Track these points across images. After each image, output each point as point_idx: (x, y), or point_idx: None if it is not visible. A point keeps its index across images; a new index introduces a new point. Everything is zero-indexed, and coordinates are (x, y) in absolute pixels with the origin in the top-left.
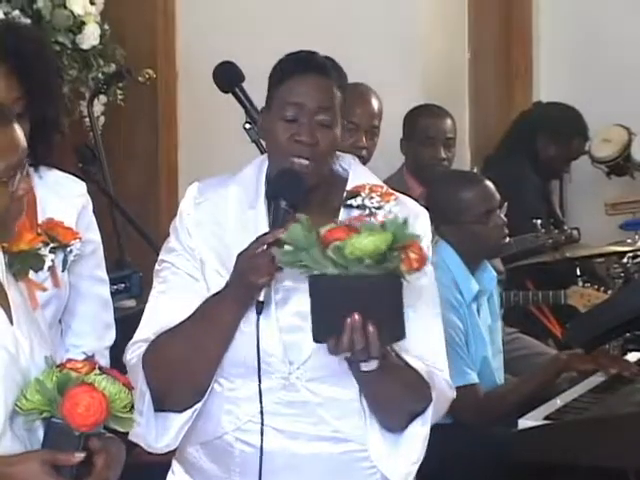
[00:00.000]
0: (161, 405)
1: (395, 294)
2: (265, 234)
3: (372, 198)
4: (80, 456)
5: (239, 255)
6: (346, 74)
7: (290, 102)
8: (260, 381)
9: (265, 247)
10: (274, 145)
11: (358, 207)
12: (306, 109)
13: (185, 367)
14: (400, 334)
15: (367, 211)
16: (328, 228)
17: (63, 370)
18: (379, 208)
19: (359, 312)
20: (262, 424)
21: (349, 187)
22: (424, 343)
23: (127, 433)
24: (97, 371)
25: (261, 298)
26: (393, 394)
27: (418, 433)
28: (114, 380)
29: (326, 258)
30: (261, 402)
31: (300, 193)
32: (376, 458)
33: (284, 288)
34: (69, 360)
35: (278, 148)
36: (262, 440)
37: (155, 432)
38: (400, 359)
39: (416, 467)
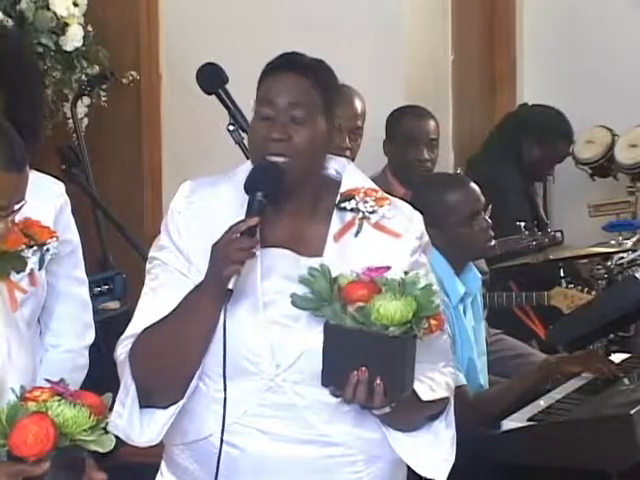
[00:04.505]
0: (146, 400)
1: (409, 353)
2: (238, 223)
3: (366, 202)
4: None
5: (214, 245)
6: (336, 77)
7: (264, 100)
8: (225, 376)
9: (238, 235)
10: (251, 146)
11: (352, 210)
12: (278, 105)
13: (167, 361)
14: (407, 388)
15: (360, 214)
16: (349, 281)
17: (23, 401)
18: (373, 212)
19: (369, 366)
20: (223, 424)
21: (342, 190)
22: (428, 345)
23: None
24: (56, 397)
25: (230, 286)
26: (411, 422)
27: (444, 434)
28: (74, 404)
29: (346, 313)
30: (224, 404)
31: (276, 184)
32: (405, 457)
33: (273, 290)
34: (34, 388)
35: (255, 148)
36: (221, 440)
37: (139, 427)
38: (415, 393)
39: (448, 466)
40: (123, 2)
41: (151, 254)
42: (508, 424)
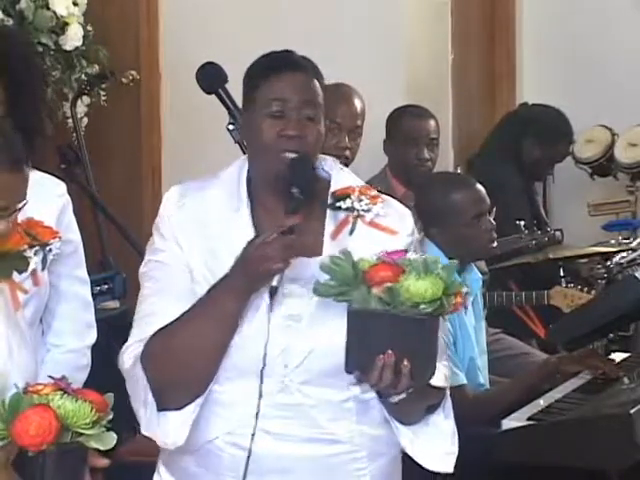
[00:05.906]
0: (161, 404)
1: (433, 333)
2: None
3: (361, 200)
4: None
5: (249, 243)
6: (322, 74)
7: (274, 98)
8: (262, 381)
9: (276, 235)
10: (260, 143)
11: (347, 209)
12: (291, 104)
13: (188, 356)
14: (432, 371)
15: (355, 213)
16: (372, 264)
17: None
18: (367, 211)
19: (394, 349)
20: (256, 421)
21: (333, 189)
22: None
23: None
24: (59, 391)
25: (275, 283)
26: (417, 411)
27: (444, 426)
28: (76, 398)
29: (371, 295)
30: (259, 404)
31: (310, 178)
32: (412, 451)
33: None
34: (37, 384)
35: (266, 146)
36: (252, 441)
37: (160, 430)
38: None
39: (452, 459)
40: (123, 1)
41: (147, 258)
42: (508, 423)
